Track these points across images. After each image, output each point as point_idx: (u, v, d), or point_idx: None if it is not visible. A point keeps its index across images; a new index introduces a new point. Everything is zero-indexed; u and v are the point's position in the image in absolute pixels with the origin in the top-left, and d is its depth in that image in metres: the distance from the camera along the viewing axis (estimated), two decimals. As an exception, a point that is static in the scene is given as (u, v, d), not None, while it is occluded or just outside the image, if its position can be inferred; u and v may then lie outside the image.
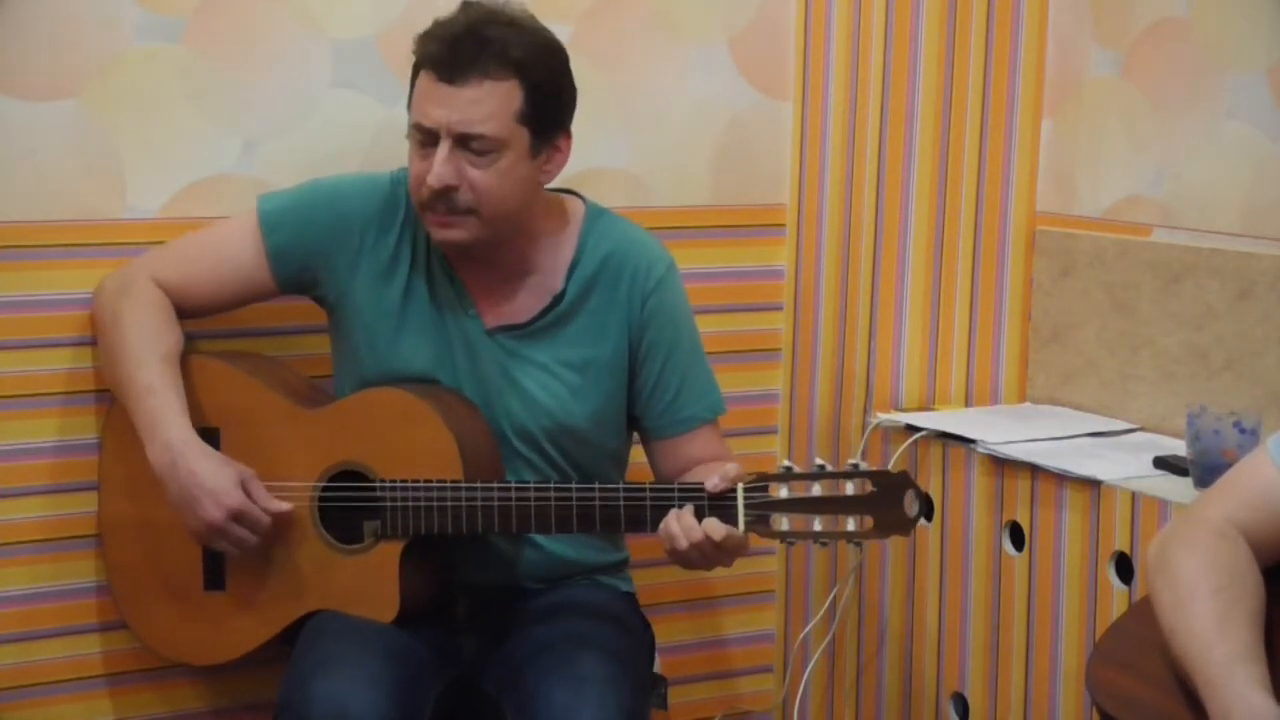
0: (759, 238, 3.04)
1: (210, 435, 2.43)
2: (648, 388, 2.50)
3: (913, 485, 2.24)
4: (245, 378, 2.48)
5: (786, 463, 2.28)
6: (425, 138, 2.34)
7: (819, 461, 2.27)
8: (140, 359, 2.40)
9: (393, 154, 2.68)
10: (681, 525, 2.25)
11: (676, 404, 2.51)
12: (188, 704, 2.71)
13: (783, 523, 2.24)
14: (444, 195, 2.34)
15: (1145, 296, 2.78)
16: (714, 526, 2.24)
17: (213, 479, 2.33)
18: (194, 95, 2.61)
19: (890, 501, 2.22)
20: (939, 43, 2.89)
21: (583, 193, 2.56)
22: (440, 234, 2.38)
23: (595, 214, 2.51)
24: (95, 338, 2.53)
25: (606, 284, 2.47)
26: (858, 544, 2.28)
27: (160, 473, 2.35)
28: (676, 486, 2.31)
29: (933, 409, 2.95)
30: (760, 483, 2.25)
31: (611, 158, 2.68)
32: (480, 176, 2.33)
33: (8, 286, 2.54)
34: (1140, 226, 2.82)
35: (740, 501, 2.25)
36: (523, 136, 2.35)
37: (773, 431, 3.10)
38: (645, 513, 2.29)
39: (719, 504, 2.26)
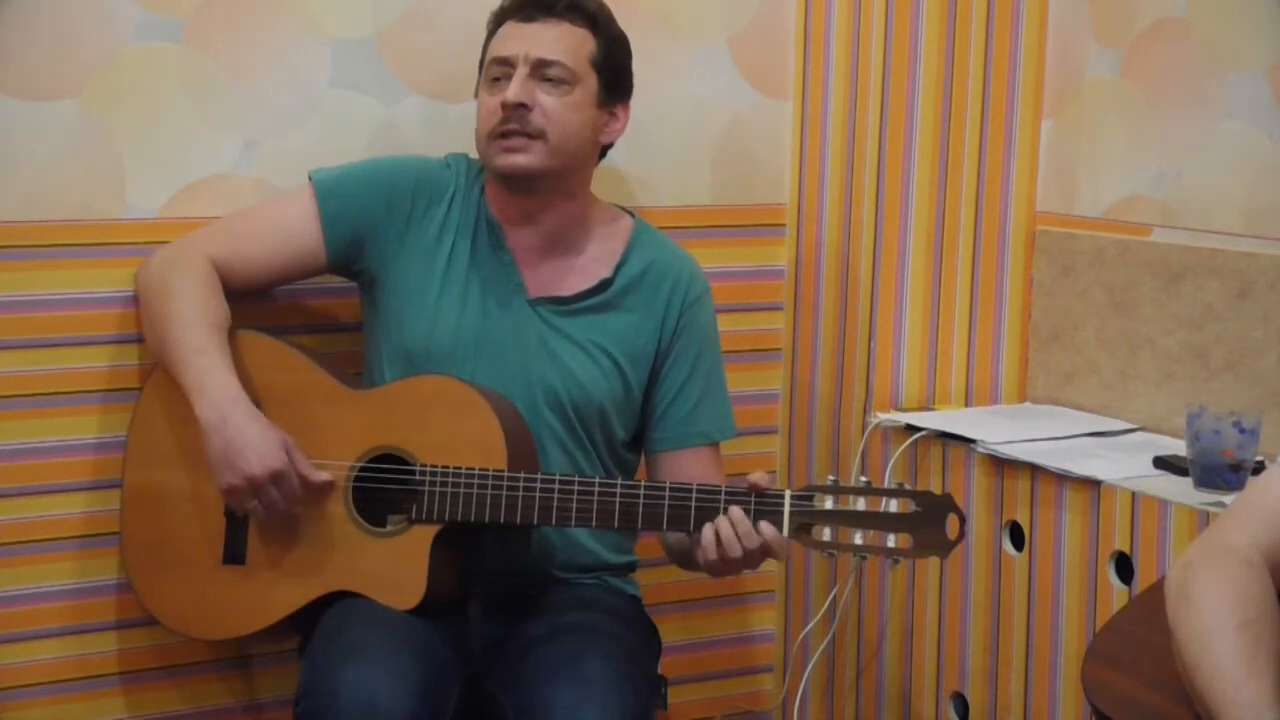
0: (759, 238, 3.04)
1: None
2: (668, 397, 2.56)
3: (955, 509, 2.28)
4: (293, 355, 2.49)
5: (832, 476, 2.34)
6: (500, 70, 2.46)
7: (864, 478, 2.35)
8: (190, 323, 2.42)
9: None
10: (740, 530, 2.29)
11: (692, 417, 2.57)
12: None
13: (824, 533, 2.30)
14: (517, 114, 2.43)
15: (1145, 296, 2.78)
16: (769, 530, 2.29)
17: (260, 437, 2.35)
18: (194, 95, 2.61)
19: (931, 522, 2.27)
20: (939, 43, 2.89)
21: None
22: (507, 160, 2.45)
23: (644, 226, 2.63)
24: (139, 307, 2.54)
25: (649, 288, 2.56)
26: (895, 561, 2.31)
27: (207, 428, 2.36)
28: (724, 489, 2.33)
29: (933, 409, 2.95)
30: (807, 492, 2.30)
31: (611, 157, 2.66)
32: (552, 102, 2.45)
33: (8, 286, 2.54)
34: (1140, 226, 2.82)
35: (787, 508, 2.30)
36: (593, 80, 2.49)
37: (773, 431, 3.10)
38: (689, 513, 2.32)
39: (763, 509, 2.30)
